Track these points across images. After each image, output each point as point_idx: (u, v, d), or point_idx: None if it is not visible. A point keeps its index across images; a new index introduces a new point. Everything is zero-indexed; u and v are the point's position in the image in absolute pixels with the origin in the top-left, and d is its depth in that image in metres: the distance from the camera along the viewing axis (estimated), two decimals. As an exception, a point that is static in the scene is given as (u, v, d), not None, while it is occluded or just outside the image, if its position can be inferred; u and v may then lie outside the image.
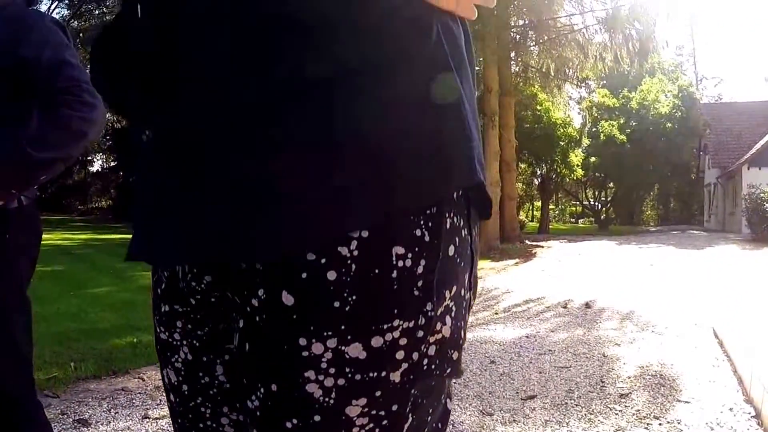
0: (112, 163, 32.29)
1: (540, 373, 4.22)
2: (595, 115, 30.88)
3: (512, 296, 8.04)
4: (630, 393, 3.71)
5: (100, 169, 34.45)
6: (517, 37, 18.68)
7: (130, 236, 0.72)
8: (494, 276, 10.18)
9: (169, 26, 0.61)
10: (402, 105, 0.58)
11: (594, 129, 30.73)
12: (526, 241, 17.61)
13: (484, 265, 11.57)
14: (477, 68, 15.59)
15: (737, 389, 3.78)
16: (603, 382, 3.97)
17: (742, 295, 7.56)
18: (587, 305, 7.19)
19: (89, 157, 33.58)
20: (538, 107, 22.13)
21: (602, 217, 31.98)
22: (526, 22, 18.16)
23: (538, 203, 34.42)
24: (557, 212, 46.24)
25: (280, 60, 0.56)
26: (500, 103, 16.50)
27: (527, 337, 5.47)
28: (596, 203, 34.81)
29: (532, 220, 42.17)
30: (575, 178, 27.92)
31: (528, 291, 8.36)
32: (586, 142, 28.71)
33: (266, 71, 0.57)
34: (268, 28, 0.56)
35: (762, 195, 19.12)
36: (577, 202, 39.35)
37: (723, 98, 44.21)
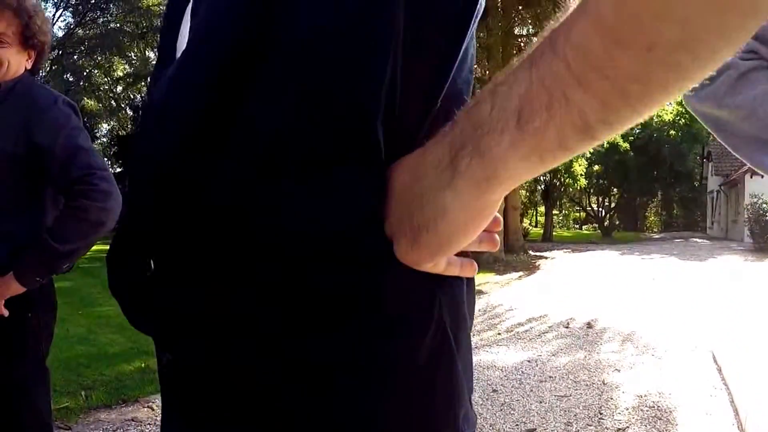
0: (118, 170, 32.40)
1: (540, 402, 4.30)
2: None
3: (515, 314, 8.12)
4: (627, 428, 3.80)
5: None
6: (522, 45, 18.78)
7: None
8: (498, 291, 10.26)
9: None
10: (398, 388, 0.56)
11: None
12: (530, 252, 17.70)
13: (488, 279, 11.65)
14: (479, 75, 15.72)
15: (733, 422, 3.86)
16: (601, 413, 4.05)
17: (742, 314, 7.63)
18: (589, 325, 7.27)
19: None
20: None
21: (606, 223, 32.00)
22: (531, 31, 18.27)
23: (542, 208, 34.43)
24: (561, 218, 46.30)
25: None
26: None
27: (529, 361, 5.55)
28: (600, 209, 34.85)
29: (536, 226, 42.27)
30: (578, 187, 28.00)
31: (531, 308, 8.44)
32: (589, 150, 28.77)
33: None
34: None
35: (764, 206, 19.18)
36: (581, 209, 39.39)
37: None
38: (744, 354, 5.40)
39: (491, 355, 5.80)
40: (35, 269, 1.69)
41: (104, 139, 33.91)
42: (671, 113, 29.92)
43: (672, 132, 29.41)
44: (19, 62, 1.81)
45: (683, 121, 29.71)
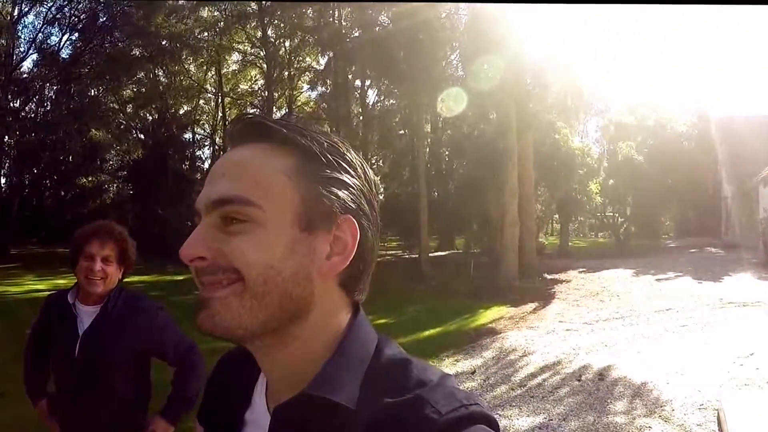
0: (130, 192, 32.81)
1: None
2: (613, 133, 31.08)
3: (529, 360, 8.36)
4: None
5: (114, 197, 34.99)
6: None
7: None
8: (513, 332, 10.47)
9: None
10: None
11: (611, 147, 30.95)
12: (545, 275, 17.85)
13: (503, 314, 11.89)
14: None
15: None
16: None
17: (755, 355, 7.76)
18: (601, 376, 7.47)
19: (105, 186, 34.26)
20: (556, 135, 22.31)
21: (621, 230, 31.98)
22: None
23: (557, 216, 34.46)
24: (577, 225, 46.32)
25: None
26: (519, 137, 16.83)
27: (540, 428, 5.80)
28: (615, 216, 34.80)
29: (552, 234, 42.33)
30: (594, 204, 28.16)
31: (545, 353, 8.67)
32: (604, 164, 28.96)
33: None
34: None
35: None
36: (596, 219, 39.38)
37: (739, 112, 43.89)
38: (751, 410, 5.57)
39: (504, 420, 6.04)
40: (178, 414, 2.66)
41: (112, 163, 34.16)
42: (684, 124, 29.95)
43: (685, 143, 29.44)
44: (116, 275, 2.57)
45: (696, 132, 29.74)
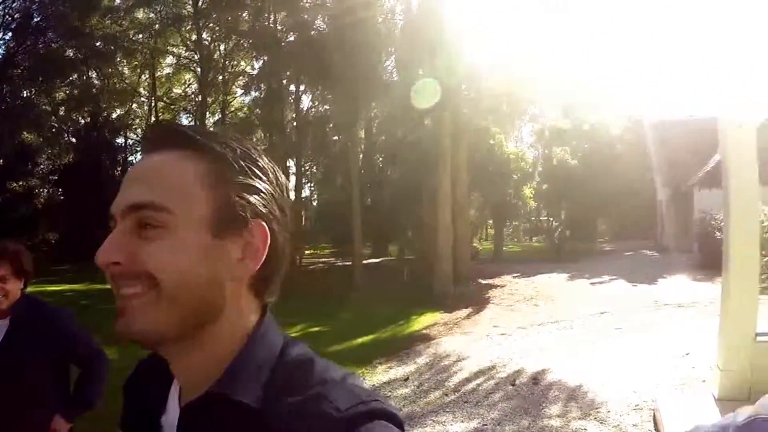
0: (61, 197, 31.59)
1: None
2: (548, 137, 31.59)
3: (463, 366, 8.16)
4: None
5: (45, 202, 33.51)
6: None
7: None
8: (447, 337, 10.29)
9: None
10: None
11: (546, 152, 31.45)
12: (479, 281, 17.81)
13: (436, 320, 11.71)
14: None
15: None
16: None
17: (690, 355, 7.75)
18: (535, 380, 7.31)
19: (36, 191, 32.82)
20: (491, 141, 22.47)
21: (556, 234, 32.46)
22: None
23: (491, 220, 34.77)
24: (511, 229, 46.91)
25: None
26: (453, 142, 16.77)
27: (474, 435, 5.57)
28: (550, 221, 35.36)
29: (486, 239, 42.72)
30: (528, 208, 28.50)
31: (479, 358, 8.49)
32: (539, 169, 29.41)
33: None
34: None
35: (713, 222, 19.53)
36: (531, 224, 39.96)
37: (674, 116, 45.38)
38: (686, 409, 5.47)
39: (438, 426, 5.79)
40: (78, 414, 2.85)
41: (43, 166, 32.80)
42: (619, 128, 30.68)
43: (619, 146, 30.15)
44: (17, 289, 2.68)
45: (630, 135, 30.50)
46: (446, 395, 6.88)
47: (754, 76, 5.31)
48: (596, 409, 6.11)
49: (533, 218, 34.38)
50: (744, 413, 0.94)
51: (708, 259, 18.34)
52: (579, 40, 23.95)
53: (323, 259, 26.93)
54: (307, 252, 28.20)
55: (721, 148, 6.03)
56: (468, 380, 7.48)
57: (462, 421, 5.93)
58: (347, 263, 22.74)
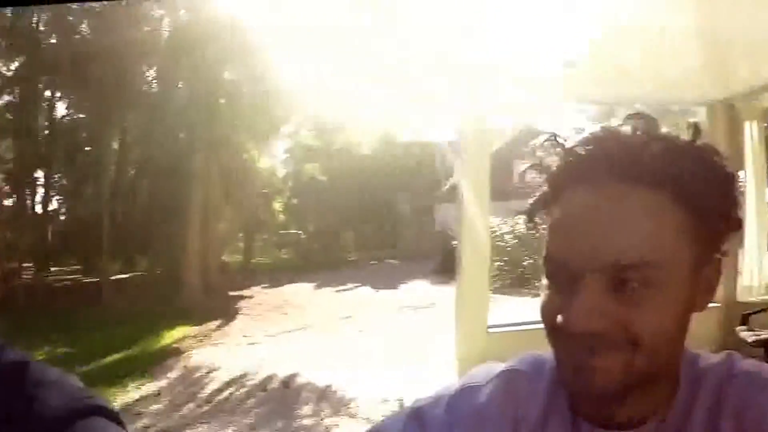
0: None
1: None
2: (300, 154, 32.42)
3: (215, 376, 8.09)
4: None
5: None
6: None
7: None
8: (198, 350, 10.09)
9: None
10: None
11: (298, 168, 32.22)
12: (229, 293, 17.67)
13: (187, 333, 11.42)
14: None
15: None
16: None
17: (430, 355, 8.49)
18: (285, 384, 7.51)
19: None
20: (244, 155, 22.44)
21: (304, 247, 33.24)
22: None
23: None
24: (261, 243, 46.94)
25: None
26: (206, 155, 16.58)
27: (230, 441, 5.59)
28: (299, 234, 36.09)
29: (237, 253, 42.23)
30: (276, 223, 28.88)
31: (230, 368, 8.48)
32: (289, 184, 30.04)
33: None
34: None
35: (449, 232, 21.48)
36: (279, 237, 40.45)
37: (418, 136, 48.92)
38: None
39: (193, 439, 5.72)
40: None
41: None
42: (368, 149, 32.57)
43: (368, 164, 32.05)
44: None
45: (379, 154, 32.58)
46: (200, 407, 6.79)
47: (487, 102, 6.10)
48: (346, 405, 6.48)
49: (282, 231, 34.84)
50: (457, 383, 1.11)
51: (445, 265, 20.28)
52: (330, 58, 24.92)
53: (70, 276, 24.67)
54: (52, 269, 25.59)
55: (457, 168, 6.78)
56: (221, 390, 7.45)
57: (218, 431, 5.92)
58: (95, 280, 21.16)
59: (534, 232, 0.75)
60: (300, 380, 7.65)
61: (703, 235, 0.69)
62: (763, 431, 0.69)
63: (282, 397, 6.97)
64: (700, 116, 8.36)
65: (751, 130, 8.06)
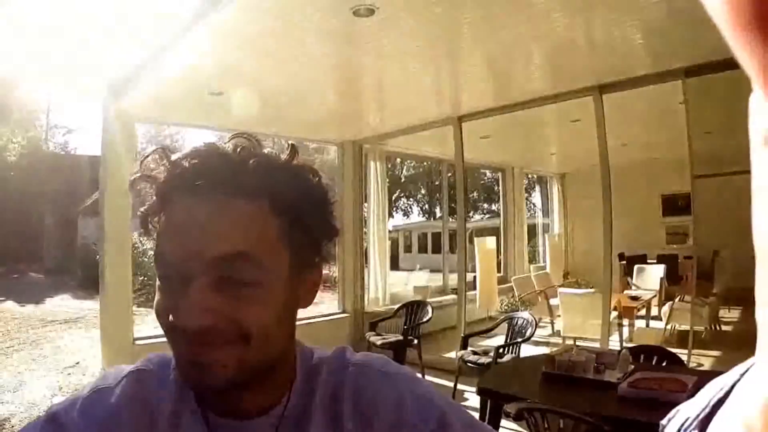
0: None
1: None
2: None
3: None
4: None
5: None
6: None
7: None
8: None
9: None
10: None
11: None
12: None
13: None
14: None
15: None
16: None
17: (80, 363, 8.29)
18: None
19: None
20: None
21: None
22: None
23: None
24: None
25: None
26: None
27: None
28: None
29: None
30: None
31: None
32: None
33: None
34: None
35: (93, 247, 20.65)
36: None
37: (71, 148, 45.13)
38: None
39: None
40: None
41: None
42: (14, 156, 29.39)
43: (14, 173, 28.99)
44: None
45: (26, 162, 29.59)
46: None
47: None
48: (0, 426, 6.16)
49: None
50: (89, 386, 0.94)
51: (89, 279, 19.38)
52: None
53: None
54: None
55: (101, 182, 6.83)
56: None
57: None
58: None
59: (146, 237, 0.78)
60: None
61: (300, 241, 0.76)
62: (377, 409, 0.81)
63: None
64: (333, 153, 9.65)
65: (375, 168, 9.48)
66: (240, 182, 0.71)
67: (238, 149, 0.74)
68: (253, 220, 0.72)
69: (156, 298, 0.73)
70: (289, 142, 0.78)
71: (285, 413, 0.81)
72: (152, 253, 0.74)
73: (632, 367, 3.69)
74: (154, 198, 0.74)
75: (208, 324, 0.68)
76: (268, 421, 0.80)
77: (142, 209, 0.75)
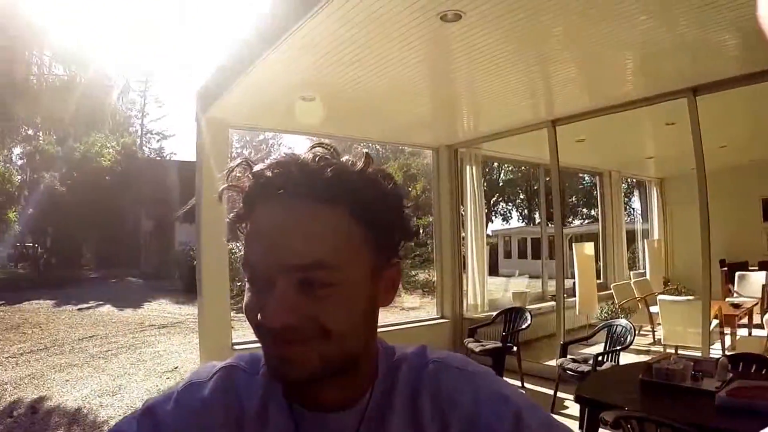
0: None
1: None
2: (38, 161, 29.92)
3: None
4: None
5: None
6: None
7: None
8: None
9: None
10: None
11: (35, 176, 29.74)
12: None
13: None
14: None
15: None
16: None
17: (178, 368, 8.66)
18: (33, 409, 7.33)
19: None
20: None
21: (41, 261, 30.69)
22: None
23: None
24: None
25: None
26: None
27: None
28: (36, 247, 33.15)
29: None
30: (12, 234, 26.41)
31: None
32: (25, 193, 27.58)
33: None
34: None
35: (191, 252, 21.49)
36: (15, 250, 36.67)
37: (167, 153, 47.16)
38: None
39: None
40: None
41: None
42: (109, 160, 30.96)
43: (108, 178, 30.49)
44: None
45: (120, 168, 31.12)
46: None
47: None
48: (99, 428, 6.55)
49: (18, 244, 31.71)
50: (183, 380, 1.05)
51: (187, 284, 20.17)
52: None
53: None
54: None
55: (197, 189, 7.06)
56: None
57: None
58: None
59: (236, 242, 0.84)
60: (49, 404, 7.50)
61: (378, 243, 0.81)
62: (454, 405, 0.84)
63: (31, 423, 6.80)
64: (429, 157, 9.78)
65: (471, 172, 9.48)
66: (319, 189, 0.75)
67: (317, 158, 0.78)
68: (333, 226, 0.76)
69: (245, 300, 0.79)
70: (364, 150, 0.82)
71: (368, 407, 0.86)
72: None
73: (731, 375, 3.66)
74: (241, 206, 0.80)
75: (291, 323, 0.74)
76: (352, 415, 0.85)
77: (229, 216, 0.82)
